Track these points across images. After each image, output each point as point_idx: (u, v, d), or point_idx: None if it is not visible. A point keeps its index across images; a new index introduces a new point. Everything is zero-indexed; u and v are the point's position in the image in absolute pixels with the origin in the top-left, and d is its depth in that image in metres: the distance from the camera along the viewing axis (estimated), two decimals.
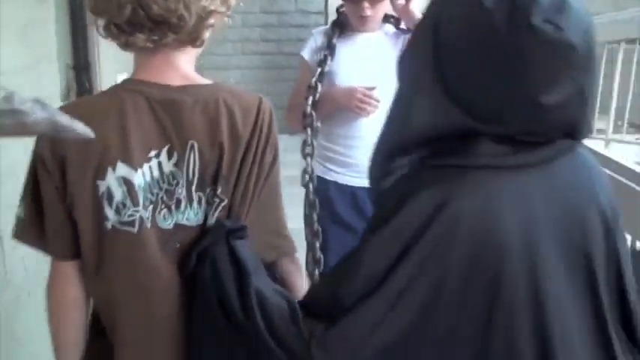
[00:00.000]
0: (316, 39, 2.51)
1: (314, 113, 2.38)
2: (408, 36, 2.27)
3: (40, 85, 2.74)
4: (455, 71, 0.97)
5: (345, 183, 2.48)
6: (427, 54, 0.98)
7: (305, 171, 2.37)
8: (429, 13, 1.03)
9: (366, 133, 2.33)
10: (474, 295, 0.97)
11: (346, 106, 2.35)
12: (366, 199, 2.34)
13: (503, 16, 0.91)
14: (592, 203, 1.03)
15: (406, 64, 1.06)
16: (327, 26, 2.55)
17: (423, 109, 0.99)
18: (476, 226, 0.95)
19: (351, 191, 2.46)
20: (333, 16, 6.73)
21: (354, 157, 2.43)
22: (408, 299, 0.98)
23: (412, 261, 0.97)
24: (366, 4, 2.28)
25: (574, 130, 1.00)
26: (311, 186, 2.37)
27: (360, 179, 2.38)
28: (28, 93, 2.15)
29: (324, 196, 2.45)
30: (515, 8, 0.91)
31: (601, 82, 5.21)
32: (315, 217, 2.35)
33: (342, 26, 2.47)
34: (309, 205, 2.36)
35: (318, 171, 2.49)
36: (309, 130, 2.41)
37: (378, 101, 2.29)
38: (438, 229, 0.96)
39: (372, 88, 2.32)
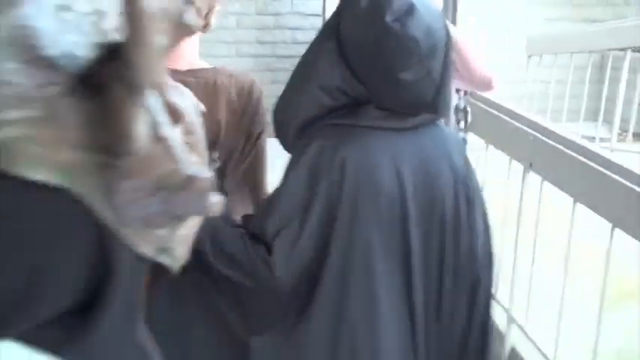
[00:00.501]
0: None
1: None
2: None
3: None
4: (352, 54, 1.33)
5: None
6: (333, 41, 1.35)
7: None
8: (336, 10, 1.40)
9: None
10: (358, 218, 1.34)
11: None
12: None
13: (370, 15, 1.27)
14: (444, 159, 1.41)
15: (318, 46, 1.41)
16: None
17: (334, 79, 1.34)
18: (358, 169, 1.32)
19: None
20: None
21: None
22: (312, 222, 1.34)
23: (316, 195, 1.34)
24: None
25: (430, 105, 1.34)
26: None
27: None
28: None
29: None
30: (375, 10, 1.26)
31: (605, 90, 5.15)
32: None
33: None
34: None
35: None
36: None
37: None
38: (332, 174, 1.34)
39: None
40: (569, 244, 2.04)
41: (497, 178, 2.57)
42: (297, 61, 1.82)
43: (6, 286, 0.38)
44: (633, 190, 1.64)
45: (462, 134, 2.42)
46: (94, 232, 0.42)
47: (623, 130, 5.20)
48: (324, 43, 1.37)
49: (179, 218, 0.46)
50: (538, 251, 2.23)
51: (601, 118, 5.25)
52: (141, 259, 0.45)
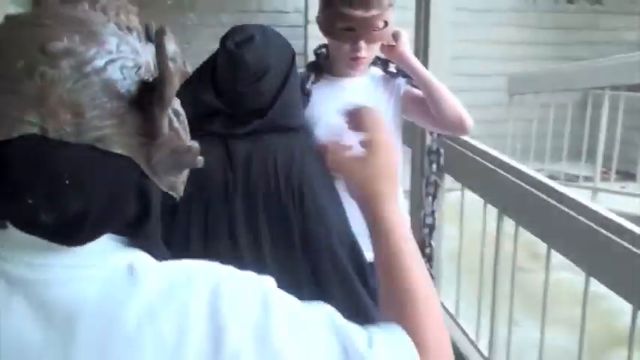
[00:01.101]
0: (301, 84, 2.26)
1: None
2: (399, 80, 2.09)
3: None
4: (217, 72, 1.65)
5: None
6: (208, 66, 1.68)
7: None
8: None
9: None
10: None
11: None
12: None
13: (222, 41, 1.63)
14: (270, 155, 1.63)
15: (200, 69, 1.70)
16: (303, 69, 2.27)
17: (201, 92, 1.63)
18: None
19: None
20: (312, 56, 6.75)
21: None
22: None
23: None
24: (363, 44, 1.98)
25: (262, 113, 1.60)
26: None
27: None
28: None
29: None
30: (225, 37, 1.63)
31: (587, 128, 5.14)
32: None
33: (320, 69, 2.20)
34: None
35: None
36: None
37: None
38: None
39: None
40: (545, 292, 1.96)
41: (474, 220, 2.52)
42: None
43: (100, 202, 0.77)
44: (610, 238, 1.57)
45: (433, 177, 2.34)
46: (141, 179, 0.81)
47: (608, 169, 5.17)
48: (203, 66, 1.71)
49: (182, 169, 0.87)
50: (516, 299, 2.16)
51: (584, 156, 5.23)
52: (161, 193, 0.85)
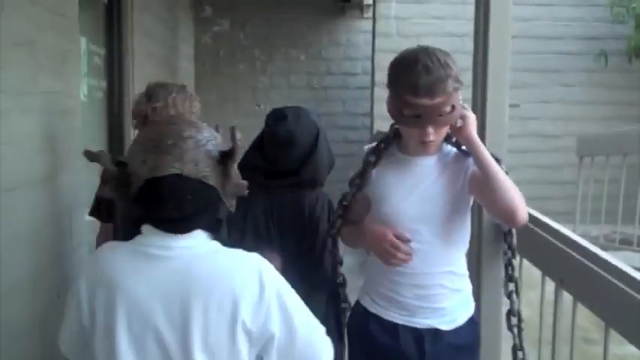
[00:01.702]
0: (366, 156, 2.30)
1: (334, 239, 2.46)
2: (470, 160, 2.06)
3: (62, 194, 2.68)
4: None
5: (387, 319, 2.22)
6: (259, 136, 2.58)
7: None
8: None
9: (410, 270, 2.10)
10: None
11: (373, 251, 2.15)
12: (408, 336, 2.13)
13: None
14: (293, 205, 2.52)
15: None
16: (374, 145, 2.30)
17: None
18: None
19: (393, 328, 2.20)
20: (378, 117, 6.83)
21: (399, 293, 2.18)
22: None
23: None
24: (431, 130, 1.99)
25: (293, 173, 2.50)
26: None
27: (404, 316, 2.16)
28: (43, 206, 2.17)
29: (363, 329, 2.23)
30: (268, 116, 2.57)
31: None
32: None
33: (393, 145, 2.23)
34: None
35: (363, 300, 2.27)
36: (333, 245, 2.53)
37: (408, 254, 2.04)
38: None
39: (408, 240, 2.05)
40: None
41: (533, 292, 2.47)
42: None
43: (201, 209, 1.54)
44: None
45: (505, 258, 2.28)
46: (219, 199, 1.56)
47: None
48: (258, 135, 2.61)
49: (237, 194, 1.62)
50: None
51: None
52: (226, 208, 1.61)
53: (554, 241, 2.18)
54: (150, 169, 1.47)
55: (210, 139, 1.53)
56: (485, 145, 2.09)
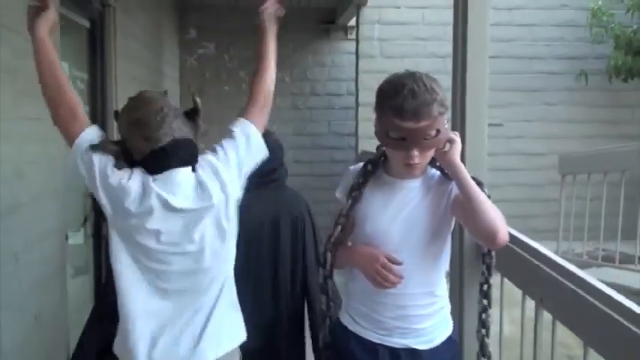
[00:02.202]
0: (350, 177, 2.31)
1: (328, 257, 2.24)
2: (454, 183, 2.07)
3: (42, 219, 2.67)
4: None
5: (366, 337, 2.23)
6: None
7: (322, 311, 2.33)
8: None
9: (392, 290, 2.12)
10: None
11: (363, 272, 2.16)
12: (386, 355, 2.14)
13: None
14: (273, 200, 2.90)
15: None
16: (361, 166, 2.32)
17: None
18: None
19: (372, 347, 2.21)
20: (363, 137, 6.87)
21: (380, 313, 2.19)
22: None
23: None
24: (416, 152, 2.02)
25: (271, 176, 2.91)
26: (327, 327, 2.32)
27: (382, 336, 2.17)
28: (23, 232, 2.17)
29: (342, 346, 2.24)
30: None
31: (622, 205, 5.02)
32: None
33: (378, 167, 2.26)
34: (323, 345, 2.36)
35: (344, 319, 2.28)
36: (321, 270, 2.27)
37: (399, 277, 2.06)
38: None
39: (399, 263, 2.07)
40: None
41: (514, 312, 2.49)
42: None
43: (184, 152, 2.05)
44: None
45: (482, 277, 2.29)
46: (196, 145, 2.12)
47: None
48: None
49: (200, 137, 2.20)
50: None
51: (638, 237, 5.09)
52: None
53: (533, 260, 2.20)
54: (152, 144, 1.95)
55: (174, 105, 2.06)
56: (465, 164, 2.12)
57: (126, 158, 1.98)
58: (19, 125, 2.45)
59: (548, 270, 2.08)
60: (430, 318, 2.14)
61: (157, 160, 1.96)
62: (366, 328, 2.18)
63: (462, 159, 2.18)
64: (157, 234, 1.95)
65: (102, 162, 1.94)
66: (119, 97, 4.09)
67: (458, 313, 2.61)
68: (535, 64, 7.39)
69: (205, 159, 2.07)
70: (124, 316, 1.97)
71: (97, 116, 3.94)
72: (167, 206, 1.95)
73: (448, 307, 2.23)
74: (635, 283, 4.82)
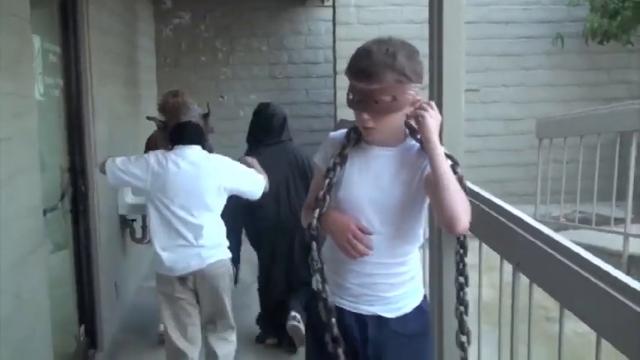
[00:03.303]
0: (329, 144, 2.30)
1: (319, 226, 2.15)
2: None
3: (19, 196, 2.65)
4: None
5: (334, 303, 2.22)
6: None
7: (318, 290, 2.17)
8: None
9: (360, 258, 2.09)
10: None
11: (334, 239, 2.13)
12: (352, 321, 2.16)
13: None
14: (284, 153, 4.42)
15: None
16: (343, 133, 2.31)
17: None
18: None
19: (339, 311, 2.21)
20: (341, 106, 6.85)
21: (347, 279, 2.20)
22: None
23: None
24: (366, 116, 2.02)
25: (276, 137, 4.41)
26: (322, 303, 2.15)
27: (350, 302, 2.20)
28: (6, 206, 2.14)
29: (313, 309, 2.25)
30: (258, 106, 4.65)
31: (616, 171, 5.09)
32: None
33: (359, 136, 2.25)
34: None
35: (314, 283, 2.29)
36: (314, 244, 2.16)
37: (368, 248, 2.06)
38: None
39: (369, 233, 2.08)
40: (559, 348, 1.96)
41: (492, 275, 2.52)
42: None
43: (199, 137, 3.50)
44: (622, 302, 1.55)
45: (457, 256, 2.29)
46: (203, 133, 3.71)
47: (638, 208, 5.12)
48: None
49: (208, 132, 4.15)
50: (546, 350, 2.15)
51: (614, 197, 5.16)
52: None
53: (509, 224, 2.21)
54: (178, 120, 3.52)
55: (197, 109, 3.75)
56: (442, 130, 2.11)
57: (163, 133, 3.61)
58: None
59: (524, 234, 2.10)
60: (399, 287, 2.17)
61: (179, 133, 3.36)
62: (334, 292, 2.19)
63: (441, 130, 2.17)
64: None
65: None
66: (93, 70, 4.03)
67: (437, 290, 2.64)
68: (512, 28, 7.39)
69: (221, 157, 3.42)
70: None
71: (72, 89, 3.88)
72: (177, 165, 3.26)
73: (419, 278, 2.24)
74: (612, 245, 4.90)
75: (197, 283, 3.29)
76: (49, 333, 3.01)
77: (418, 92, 2.07)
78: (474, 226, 2.56)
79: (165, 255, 3.20)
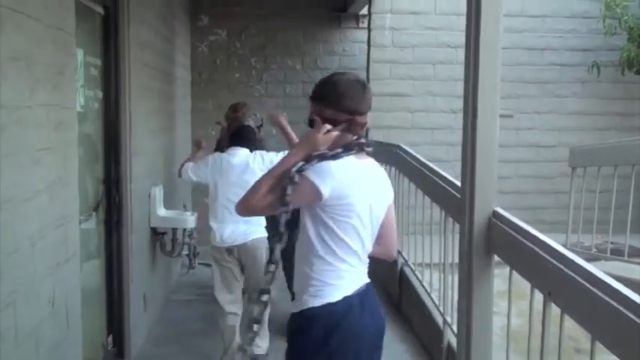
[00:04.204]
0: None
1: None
2: None
3: (57, 206, 2.71)
4: None
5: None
6: None
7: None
8: None
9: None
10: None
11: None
12: None
13: None
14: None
15: None
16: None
17: None
18: None
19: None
20: (373, 126, 6.86)
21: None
22: None
23: None
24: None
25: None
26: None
27: None
28: (38, 218, 2.16)
29: None
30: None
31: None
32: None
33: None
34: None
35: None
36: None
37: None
38: None
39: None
40: None
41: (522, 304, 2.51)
42: None
43: (252, 139, 4.56)
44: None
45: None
46: (257, 138, 4.77)
47: None
48: None
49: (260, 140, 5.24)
50: None
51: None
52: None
53: (541, 252, 2.21)
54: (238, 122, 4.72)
55: (254, 119, 4.99)
56: (476, 155, 2.17)
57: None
58: (35, 112, 2.48)
59: (556, 263, 2.10)
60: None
61: (239, 135, 4.43)
62: None
63: (473, 150, 2.20)
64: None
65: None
66: (132, 83, 4.11)
67: (466, 308, 2.64)
68: (547, 55, 7.36)
69: (261, 153, 4.31)
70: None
71: (111, 102, 3.97)
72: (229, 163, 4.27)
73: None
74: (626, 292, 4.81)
75: (241, 254, 4.23)
76: (79, 341, 3.05)
77: None
78: (503, 253, 2.56)
79: (217, 230, 4.20)
